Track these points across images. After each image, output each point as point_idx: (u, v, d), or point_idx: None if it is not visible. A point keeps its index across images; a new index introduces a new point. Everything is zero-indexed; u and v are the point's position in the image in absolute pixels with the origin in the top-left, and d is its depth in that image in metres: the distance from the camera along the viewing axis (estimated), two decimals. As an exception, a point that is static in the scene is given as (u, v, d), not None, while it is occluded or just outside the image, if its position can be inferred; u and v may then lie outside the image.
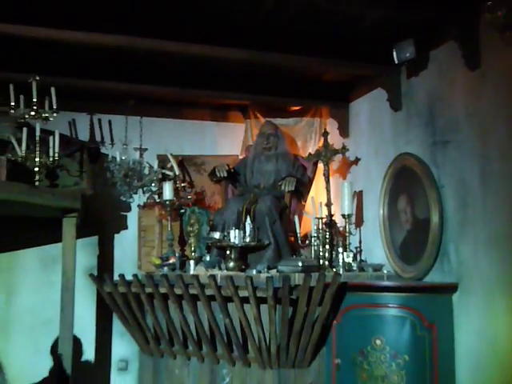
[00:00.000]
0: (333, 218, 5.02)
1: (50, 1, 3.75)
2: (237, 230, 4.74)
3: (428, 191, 4.19)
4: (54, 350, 5.13)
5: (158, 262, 5.11)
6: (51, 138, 4.79)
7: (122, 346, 5.48)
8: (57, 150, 4.79)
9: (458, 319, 3.91)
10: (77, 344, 5.10)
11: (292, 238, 5.13)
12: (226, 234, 4.83)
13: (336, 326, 4.25)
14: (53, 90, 4.63)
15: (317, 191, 5.51)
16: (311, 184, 5.55)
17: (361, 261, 4.89)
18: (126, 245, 5.69)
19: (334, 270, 4.65)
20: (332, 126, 5.66)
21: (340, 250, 4.81)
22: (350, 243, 4.88)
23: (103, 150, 5.72)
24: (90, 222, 5.27)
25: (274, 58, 4.49)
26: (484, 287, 3.66)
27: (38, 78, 4.51)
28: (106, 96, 5.47)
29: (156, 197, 5.57)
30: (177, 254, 5.16)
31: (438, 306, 3.96)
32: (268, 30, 4.23)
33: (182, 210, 5.58)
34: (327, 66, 4.91)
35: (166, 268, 4.97)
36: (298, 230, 5.14)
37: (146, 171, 5.60)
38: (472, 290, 3.78)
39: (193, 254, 5.12)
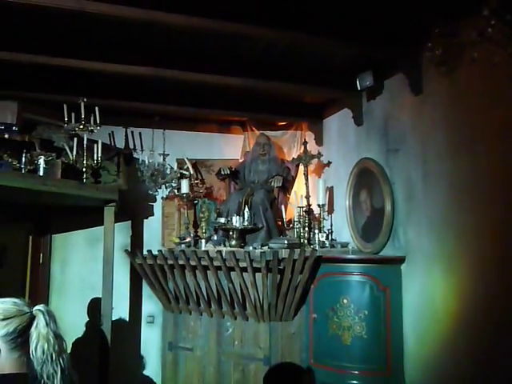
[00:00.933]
0: (310, 207, 5.03)
1: (96, 40, 3.79)
2: (237, 216, 4.76)
3: (383, 187, 4.20)
4: (91, 307, 5.18)
5: (177, 240, 5.13)
6: (95, 145, 4.79)
7: (150, 304, 5.48)
8: (100, 155, 4.79)
9: (405, 284, 3.92)
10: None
11: (279, 223, 5.13)
12: (229, 219, 4.85)
13: (313, 289, 4.28)
14: (97, 109, 4.63)
15: (298, 186, 5.51)
16: (294, 181, 5.54)
17: (332, 239, 4.90)
18: (152, 227, 5.68)
19: (312, 246, 4.67)
20: (310, 137, 5.65)
21: (316, 231, 4.83)
22: (323, 226, 4.89)
23: (135, 155, 5.69)
24: (125, 210, 5.25)
25: (266, 84, 4.50)
26: (425, 260, 3.69)
27: (85, 99, 4.51)
28: (137, 113, 5.46)
29: (175, 191, 5.54)
30: (191, 235, 5.19)
31: (390, 274, 3.97)
32: (262, 64, 4.24)
33: (196, 201, 5.60)
34: (306, 91, 4.92)
35: (183, 245, 4.99)
36: (284, 217, 5.15)
37: (168, 171, 5.59)
38: (416, 261, 3.81)
39: (204, 234, 5.15)
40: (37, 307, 1.60)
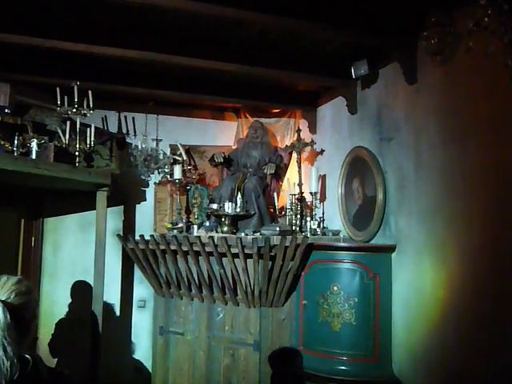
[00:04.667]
0: (303, 195, 5.02)
1: (91, 23, 3.74)
2: (230, 203, 4.77)
3: (375, 175, 4.20)
4: (74, 291, 5.15)
5: (169, 226, 5.13)
6: (88, 129, 4.75)
7: (141, 289, 5.47)
8: (92, 139, 4.75)
9: (395, 272, 3.94)
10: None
11: (272, 210, 5.13)
12: (221, 205, 4.85)
13: (304, 275, 4.30)
14: (90, 92, 4.57)
15: (291, 174, 5.50)
16: (287, 168, 5.54)
17: (323, 227, 4.90)
18: (144, 212, 5.65)
19: (303, 234, 4.66)
20: (303, 124, 5.63)
21: (308, 219, 4.85)
22: (315, 214, 4.91)
23: (128, 140, 5.63)
24: (118, 195, 5.20)
25: (260, 71, 4.47)
26: (415, 249, 3.71)
27: (78, 83, 4.45)
28: (130, 98, 5.41)
29: (168, 176, 5.51)
30: (184, 220, 5.16)
31: (381, 262, 3.99)
32: (256, 50, 4.21)
33: (188, 187, 5.56)
34: (301, 78, 4.91)
35: (175, 231, 4.98)
36: (276, 204, 5.14)
37: (161, 157, 5.54)
38: (406, 250, 3.83)
39: (196, 220, 5.13)
40: None
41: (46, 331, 5.01)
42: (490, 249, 2.98)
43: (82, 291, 5.17)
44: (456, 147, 3.28)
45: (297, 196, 4.99)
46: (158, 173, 5.58)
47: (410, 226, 3.79)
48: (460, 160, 3.23)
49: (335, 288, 4.01)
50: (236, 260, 4.18)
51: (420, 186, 3.67)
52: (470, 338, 3.10)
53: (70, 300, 5.14)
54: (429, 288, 3.50)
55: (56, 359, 4.90)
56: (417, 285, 3.65)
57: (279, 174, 5.36)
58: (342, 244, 4.29)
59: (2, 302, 1.60)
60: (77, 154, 4.66)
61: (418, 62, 3.71)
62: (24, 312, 1.66)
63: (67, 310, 5.09)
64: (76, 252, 5.35)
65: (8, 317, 1.57)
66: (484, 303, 3.00)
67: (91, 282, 4.90)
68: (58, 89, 4.50)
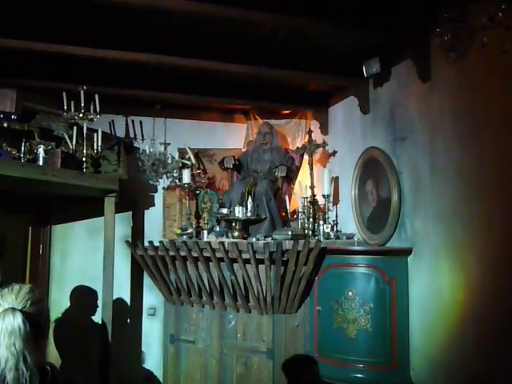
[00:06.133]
0: (315, 198, 5.02)
1: (97, 27, 3.79)
2: (240, 207, 4.78)
3: (389, 177, 4.20)
4: (74, 296, 5.18)
5: (178, 231, 5.15)
6: (95, 134, 4.79)
7: (151, 296, 5.50)
8: (100, 144, 4.79)
9: (412, 275, 3.94)
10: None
11: (283, 213, 5.14)
12: (232, 209, 4.86)
13: (317, 281, 4.29)
14: (97, 97, 4.63)
15: (303, 176, 5.50)
16: (298, 171, 5.54)
17: (337, 231, 4.90)
18: (153, 218, 5.68)
19: (316, 238, 4.67)
20: (315, 125, 5.64)
21: (321, 222, 4.85)
22: (328, 217, 4.92)
23: (136, 144, 5.69)
24: (126, 201, 5.24)
25: (270, 72, 4.48)
26: (431, 251, 3.70)
27: (85, 87, 4.51)
28: (138, 102, 5.45)
29: (177, 181, 5.55)
30: (193, 226, 5.19)
31: (396, 266, 3.98)
32: (265, 50, 4.22)
33: (197, 191, 5.58)
34: (311, 78, 4.91)
35: (185, 236, 5.00)
36: (288, 207, 5.15)
37: (169, 161, 5.57)
38: (422, 253, 3.82)
39: (206, 225, 5.14)
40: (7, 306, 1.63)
41: (54, 340, 5.04)
42: (509, 250, 2.96)
43: (90, 298, 5.22)
44: (473, 146, 3.27)
45: (309, 199, 4.99)
46: (167, 177, 5.61)
47: (426, 228, 3.78)
48: (477, 158, 3.22)
49: (350, 293, 4.01)
50: (247, 266, 4.19)
51: (436, 187, 3.67)
52: (490, 343, 3.08)
53: (78, 307, 5.18)
54: (447, 291, 3.49)
55: (65, 369, 4.94)
56: (434, 288, 3.64)
57: (291, 176, 5.37)
58: (356, 248, 4.29)
59: (20, 311, 1.61)
60: (84, 159, 4.71)
61: (432, 59, 3.71)
62: (39, 320, 1.68)
63: (76, 318, 5.12)
64: (84, 259, 5.38)
65: (28, 326, 1.59)
66: (504, 306, 2.98)
67: (100, 290, 4.94)
68: (64, 94, 4.55)
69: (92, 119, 4.66)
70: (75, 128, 4.67)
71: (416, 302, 3.88)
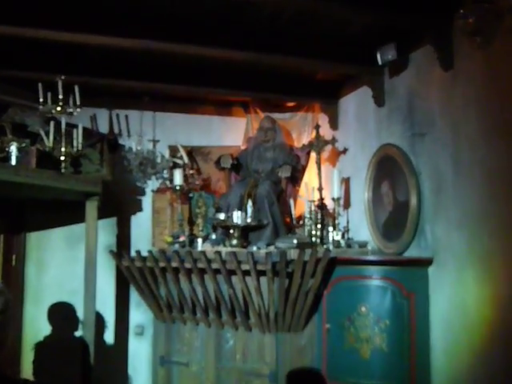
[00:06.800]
0: (323, 201, 5.03)
1: (75, 9, 3.77)
2: (239, 212, 4.77)
3: (407, 177, 4.20)
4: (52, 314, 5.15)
5: (169, 239, 5.14)
6: (75, 130, 4.78)
7: (139, 313, 5.51)
8: (80, 141, 4.79)
9: (433, 289, 3.94)
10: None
11: (288, 219, 5.14)
12: (229, 215, 4.85)
13: (326, 295, 4.30)
14: (76, 88, 4.63)
15: (309, 177, 5.51)
16: (304, 171, 5.55)
17: (348, 238, 4.90)
18: (141, 225, 5.71)
19: (325, 246, 4.67)
20: (323, 119, 5.65)
21: (330, 229, 4.84)
22: (338, 223, 4.91)
23: (121, 141, 5.71)
24: (110, 205, 5.25)
25: (272, 59, 4.51)
26: (455, 261, 3.70)
27: (63, 77, 4.51)
28: (123, 93, 5.48)
29: (167, 182, 5.56)
30: (186, 233, 5.20)
31: (416, 278, 3.99)
32: (267, 34, 4.22)
33: (191, 194, 5.59)
34: (319, 66, 4.93)
35: (176, 245, 5.00)
36: (293, 212, 5.16)
37: (159, 160, 5.60)
38: (445, 263, 3.82)
39: (200, 232, 5.14)
40: None
41: (30, 363, 5.04)
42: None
43: (69, 316, 5.20)
44: (501, 143, 3.27)
45: (317, 203, 5.00)
46: (156, 179, 5.63)
47: (448, 235, 3.78)
48: (506, 158, 3.23)
49: (363, 309, 4.02)
50: (247, 278, 4.19)
51: (460, 189, 3.67)
52: (521, 365, 3.09)
53: (56, 327, 5.15)
54: (473, 306, 3.49)
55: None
56: (459, 303, 3.64)
57: (296, 177, 5.37)
58: (370, 257, 4.30)
59: None
60: (62, 158, 4.71)
61: (455, 44, 3.71)
62: None
63: (53, 338, 5.11)
64: (63, 271, 5.40)
65: None
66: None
67: (81, 306, 4.94)
68: (40, 85, 4.55)
69: (71, 113, 4.67)
70: (52, 123, 4.66)
71: (438, 318, 3.88)
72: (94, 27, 3.88)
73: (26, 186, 4.33)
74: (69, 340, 5.17)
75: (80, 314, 5.08)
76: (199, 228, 5.28)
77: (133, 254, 4.74)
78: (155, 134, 5.69)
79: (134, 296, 5.28)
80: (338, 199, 4.92)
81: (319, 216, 4.94)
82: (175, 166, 5.51)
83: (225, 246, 4.83)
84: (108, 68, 4.72)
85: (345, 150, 5.33)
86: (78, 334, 5.11)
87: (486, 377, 3.35)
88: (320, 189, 5.07)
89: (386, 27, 4.08)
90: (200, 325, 4.68)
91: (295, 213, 5.19)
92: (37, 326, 5.19)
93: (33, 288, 5.43)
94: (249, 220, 4.77)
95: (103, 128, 5.67)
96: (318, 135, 5.25)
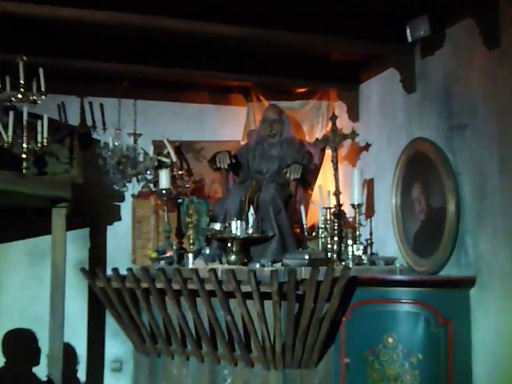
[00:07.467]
0: (341, 208, 5.03)
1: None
2: (239, 221, 4.76)
3: (444, 179, 4.19)
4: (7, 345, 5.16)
5: (154, 255, 5.14)
6: (39, 122, 4.79)
7: (116, 345, 5.52)
8: (45, 135, 4.78)
9: (476, 315, 3.92)
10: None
11: (298, 230, 5.15)
12: (227, 225, 4.84)
13: (345, 323, 4.27)
14: (41, 71, 4.64)
15: (324, 179, 5.53)
16: (318, 171, 5.57)
17: (371, 254, 4.92)
18: (119, 237, 5.71)
19: (343, 263, 4.67)
20: (341, 109, 5.67)
21: (349, 242, 4.82)
22: (360, 235, 4.91)
23: (95, 136, 5.73)
24: (81, 213, 5.26)
25: (278, 35, 4.46)
26: (503, 282, 3.67)
27: (25, 58, 4.51)
28: (97, 77, 5.48)
29: (151, 185, 5.58)
30: (174, 247, 5.17)
31: (454, 302, 3.97)
32: (271, 5, 4.21)
33: (180, 200, 5.60)
34: (335, 44, 4.87)
35: (162, 262, 4.99)
36: (304, 221, 5.14)
37: (141, 158, 5.60)
38: (490, 284, 3.80)
39: (191, 246, 5.14)
40: None
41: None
42: None
43: (31, 347, 5.21)
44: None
45: (333, 210, 4.99)
46: (138, 181, 5.63)
47: (494, 251, 3.76)
48: None
49: (390, 339, 4.00)
50: (248, 302, 4.17)
51: (509, 194, 3.65)
52: None
53: (14, 360, 5.17)
54: (524, 338, 3.47)
55: None
56: (507, 332, 3.62)
57: (307, 179, 5.37)
58: (398, 277, 4.30)
59: None
60: (24, 156, 4.71)
61: (501, 17, 3.69)
62: None
63: (11, 374, 5.10)
64: (24, 293, 5.40)
65: None
66: None
67: (46, 336, 4.92)
68: (-4, 67, 4.57)
69: (35, 101, 4.68)
70: (12, 113, 4.66)
71: (481, 350, 3.87)
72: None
73: (-22, 190, 4.33)
74: (26, 376, 5.15)
75: (44, 344, 5.06)
76: (190, 241, 5.27)
77: (109, 272, 4.72)
78: (136, 126, 5.70)
79: (111, 323, 5.27)
80: (359, 206, 4.92)
81: (336, 226, 4.93)
82: (161, 165, 5.52)
83: (221, 262, 4.83)
84: (79, 47, 4.72)
85: (367, 146, 5.34)
86: (38, 368, 5.09)
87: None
88: (337, 193, 5.06)
89: (417, -4, 4.08)
90: (191, 359, 4.66)
91: (307, 222, 5.17)
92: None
93: (-13, 314, 5.43)
94: (250, 231, 4.76)
95: (73, 119, 5.68)
96: (334, 128, 5.24)
